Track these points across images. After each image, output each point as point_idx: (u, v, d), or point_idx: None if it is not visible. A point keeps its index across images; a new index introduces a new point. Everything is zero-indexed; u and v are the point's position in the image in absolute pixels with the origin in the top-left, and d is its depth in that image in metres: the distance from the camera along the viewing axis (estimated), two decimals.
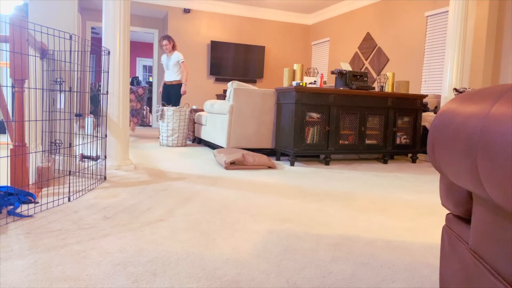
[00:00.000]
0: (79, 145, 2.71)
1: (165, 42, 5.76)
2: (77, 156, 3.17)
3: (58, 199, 2.14)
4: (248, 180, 2.96)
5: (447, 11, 5.41)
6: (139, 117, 8.30)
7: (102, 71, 2.81)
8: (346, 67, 4.33)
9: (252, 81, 8.69)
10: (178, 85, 5.90)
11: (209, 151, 4.74)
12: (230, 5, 8.27)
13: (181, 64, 5.84)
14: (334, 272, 1.34)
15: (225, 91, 7.70)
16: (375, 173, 3.58)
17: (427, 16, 5.82)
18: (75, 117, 3.02)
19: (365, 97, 4.12)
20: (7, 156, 2.10)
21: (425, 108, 4.90)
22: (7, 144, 2.25)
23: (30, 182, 2.37)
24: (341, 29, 7.87)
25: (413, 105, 4.43)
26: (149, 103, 9.15)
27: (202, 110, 6.22)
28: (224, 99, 6.33)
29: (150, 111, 9.35)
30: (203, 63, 8.27)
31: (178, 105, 5.87)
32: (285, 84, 4.29)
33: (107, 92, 2.98)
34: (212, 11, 8.23)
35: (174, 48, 5.81)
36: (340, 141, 4.07)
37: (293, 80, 4.26)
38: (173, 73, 5.86)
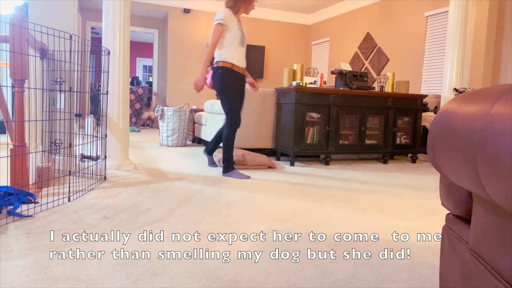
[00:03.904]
0: (79, 145, 2.71)
1: None
2: (77, 156, 3.16)
3: (58, 199, 2.14)
4: (248, 180, 2.96)
5: (447, 11, 5.41)
6: (139, 116, 8.31)
7: (102, 71, 2.81)
8: (346, 67, 4.33)
9: None
10: None
11: None
12: None
13: None
14: (334, 272, 1.34)
15: None
16: (375, 173, 3.58)
17: (427, 16, 5.81)
18: (75, 117, 3.02)
19: (365, 97, 4.12)
20: (7, 156, 2.10)
21: (425, 108, 4.90)
22: (7, 144, 2.25)
23: (30, 182, 2.37)
24: (341, 29, 7.87)
25: (413, 105, 4.43)
26: (149, 103, 9.13)
27: (202, 110, 6.22)
28: None
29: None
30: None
31: None
32: (285, 84, 4.28)
33: (107, 92, 2.98)
34: (212, 11, 8.22)
35: None
36: (340, 141, 4.07)
37: (293, 80, 4.26)
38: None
